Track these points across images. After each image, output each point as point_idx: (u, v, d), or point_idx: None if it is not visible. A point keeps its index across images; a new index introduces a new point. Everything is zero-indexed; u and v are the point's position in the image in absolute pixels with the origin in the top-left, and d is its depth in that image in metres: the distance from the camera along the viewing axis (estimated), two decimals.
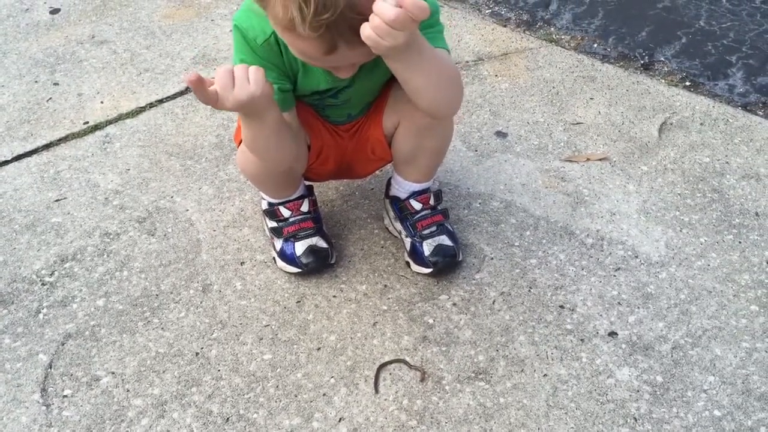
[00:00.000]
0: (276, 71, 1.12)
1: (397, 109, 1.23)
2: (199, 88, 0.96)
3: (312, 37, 0.92)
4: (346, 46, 0.95)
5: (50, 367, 1.19)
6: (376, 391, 1.15)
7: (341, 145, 1.30)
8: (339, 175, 1.41)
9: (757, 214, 1.47)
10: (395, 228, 1.40)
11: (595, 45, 2.05)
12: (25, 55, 1.99)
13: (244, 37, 1.09)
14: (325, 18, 0.89)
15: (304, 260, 1.31)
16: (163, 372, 1.18)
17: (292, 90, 1.17)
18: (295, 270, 1.32)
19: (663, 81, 1.89)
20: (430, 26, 1.07)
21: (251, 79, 0.99)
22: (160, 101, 1.81)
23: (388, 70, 1.04)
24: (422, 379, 1.17)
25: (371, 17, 0.90)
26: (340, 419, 1.11)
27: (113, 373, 1.18)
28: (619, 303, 1.29)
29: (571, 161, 1.61)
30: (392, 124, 1.26)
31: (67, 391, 1.15)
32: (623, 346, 1.22)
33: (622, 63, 1.97)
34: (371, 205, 1.50)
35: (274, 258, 1.35)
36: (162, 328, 1.25)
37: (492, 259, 1.37)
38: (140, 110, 1.77)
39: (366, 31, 0.91)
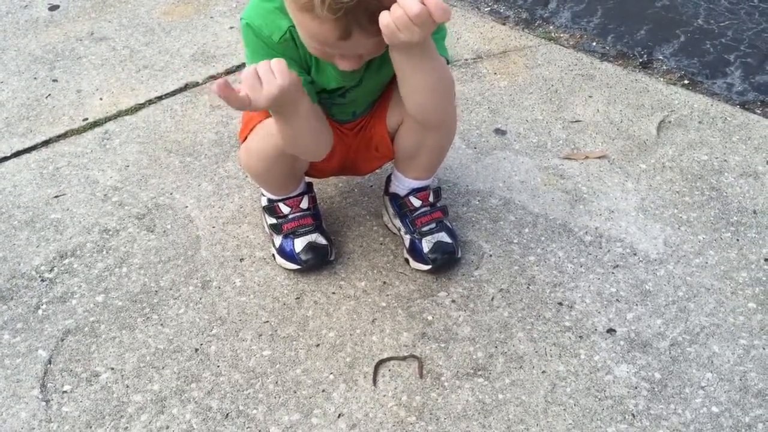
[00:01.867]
0: (296, 65, 1.11)
1: (402, 105, 1.23)
2: (229, 96, 0.94)
3: (329, 19, 0.91)
4: (361, 34, 0.94)
5: (50, 363, 1.19)
6: (375, 386, 1.16)
7: (345, 143, 1.31)
8: (341, 172, 1.41)
9: (754, 211, 1.48)
10: (394, 225, 1.40)
11: (594, 43, 2.06)
12: (24, 51, 1.99)
13: (258, 36, 1.08)
14: (346, 1, 0.89)
15: (303, 257, 1.31)
16: (163, 368, 1.18)
17: (311, 82, 1.16)
18: (294, 267, 1.32)
19: (661, 79, 1.89)
20: (436, 31, 1.07)
21: (275, 72, 0.97)
22: (159, 98, 1.81)
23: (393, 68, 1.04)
24: (421, 365, 1.17)
25: (393, 7, 0.90)
26: (340, 415, 1.12)
27: (113, 368, 1.18)
28: (617, 300, 1.30)
29: (569, 159, 1.61)
30: (396, 120, 1.26)
31: (66, 387, 1.16)
32: (621, 342, 1.22)
33: (620, 61, 1.97)
34: (370, 202, 1.50)
35: (273, 255, 1.36)
36: (161, 325, 1.25)
37: (491, 256, 1.38)
38: (139, 107, 1.77)
39: (385, 19, 0.91)
